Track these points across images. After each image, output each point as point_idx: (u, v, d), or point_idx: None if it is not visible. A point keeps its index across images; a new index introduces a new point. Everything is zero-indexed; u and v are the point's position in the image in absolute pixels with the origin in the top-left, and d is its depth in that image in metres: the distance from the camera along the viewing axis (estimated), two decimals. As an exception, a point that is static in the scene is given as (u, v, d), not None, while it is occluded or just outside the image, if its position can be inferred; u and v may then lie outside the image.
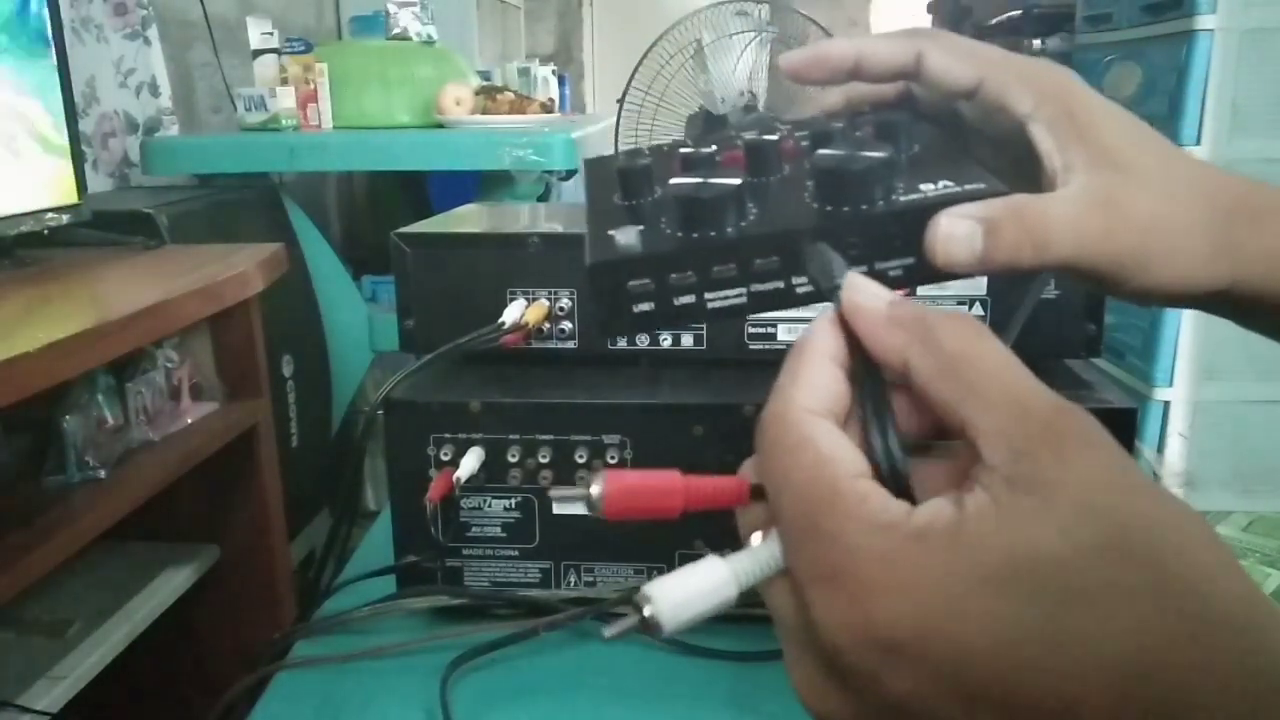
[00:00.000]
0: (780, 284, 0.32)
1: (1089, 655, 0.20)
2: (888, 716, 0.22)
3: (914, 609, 0.21)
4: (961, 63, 0.36)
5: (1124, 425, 0.56)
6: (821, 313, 0.27)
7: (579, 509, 0.24)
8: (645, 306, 0.33)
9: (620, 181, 0.35)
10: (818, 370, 0.26)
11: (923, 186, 0.32)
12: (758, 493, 0.25)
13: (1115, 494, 0.21)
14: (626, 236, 0.32)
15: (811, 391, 0.25)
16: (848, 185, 0.31)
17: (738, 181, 0.32)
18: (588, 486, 0.24)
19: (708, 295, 0.32)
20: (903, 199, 0.32)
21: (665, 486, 0.24)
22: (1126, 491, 0.21)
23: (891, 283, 0.32)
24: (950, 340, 0.24)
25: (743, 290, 0.32)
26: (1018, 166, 0.35)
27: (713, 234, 0.32)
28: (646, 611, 0.23)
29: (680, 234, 0.32)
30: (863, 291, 0.26)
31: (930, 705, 0.21)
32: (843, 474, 0.23)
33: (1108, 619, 0.20)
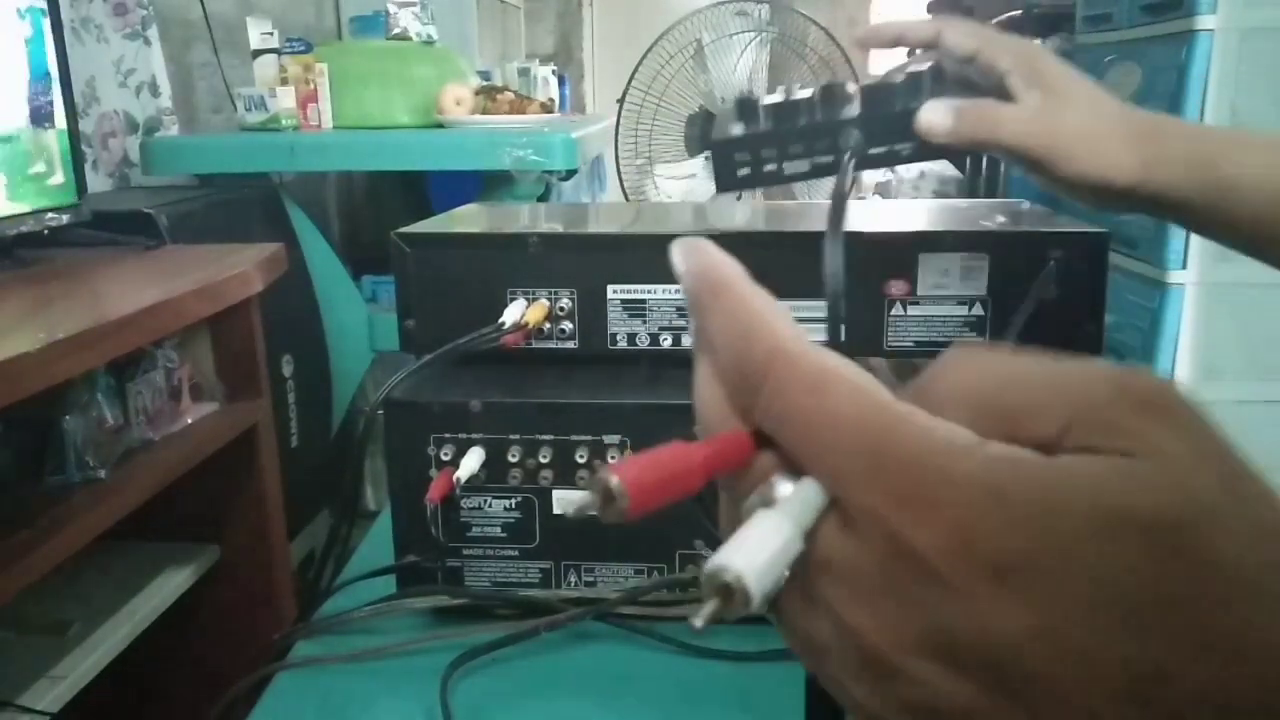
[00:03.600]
0: (830, 158, 0.51)
1: (1192, 624, 0.18)
2: (985, 662, 0.20)
3: (1021, 538, 0.19)
4: (966, 38, 0.54)
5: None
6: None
7: (594, 515, 0.22)
8: (745, 171, 0.53)
9: (736, 107, 0.54)
10: (767, 296, 0.24)
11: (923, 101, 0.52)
12: (761, 440, 0.23)
13: (1225, 462, 0.20)
14: (735, 127, 0.53)
15: (786, 319, 0.23)
16: (877, 93, 0.52)
17: (809, 93, 0.52)
18: (600, 490, 0.22)
19: (785, 164, 0.51)
20: (910, 105, 0.52)
21: (683, 469, 0.22)
22: (1233, 464, 0.20)
23: (903, 159, 0.53)
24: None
25: (807, 161, 0.51)
26: None
27: (787, 125, 0.52)
28: (736, 585, 0.20)
29: (767, 126, 0.52)
30: None
31: (1030, 652, 0.19)
32: (892, 401, 0.21)
33: (1218, 589, 0.18)
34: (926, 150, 0.51)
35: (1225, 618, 0.19)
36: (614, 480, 0.21)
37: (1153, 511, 0.19)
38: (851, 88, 0.51)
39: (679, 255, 0.26)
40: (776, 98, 0.52)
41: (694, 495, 0.23)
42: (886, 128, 0.51)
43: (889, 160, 0.52)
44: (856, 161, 0.51)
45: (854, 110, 0.51)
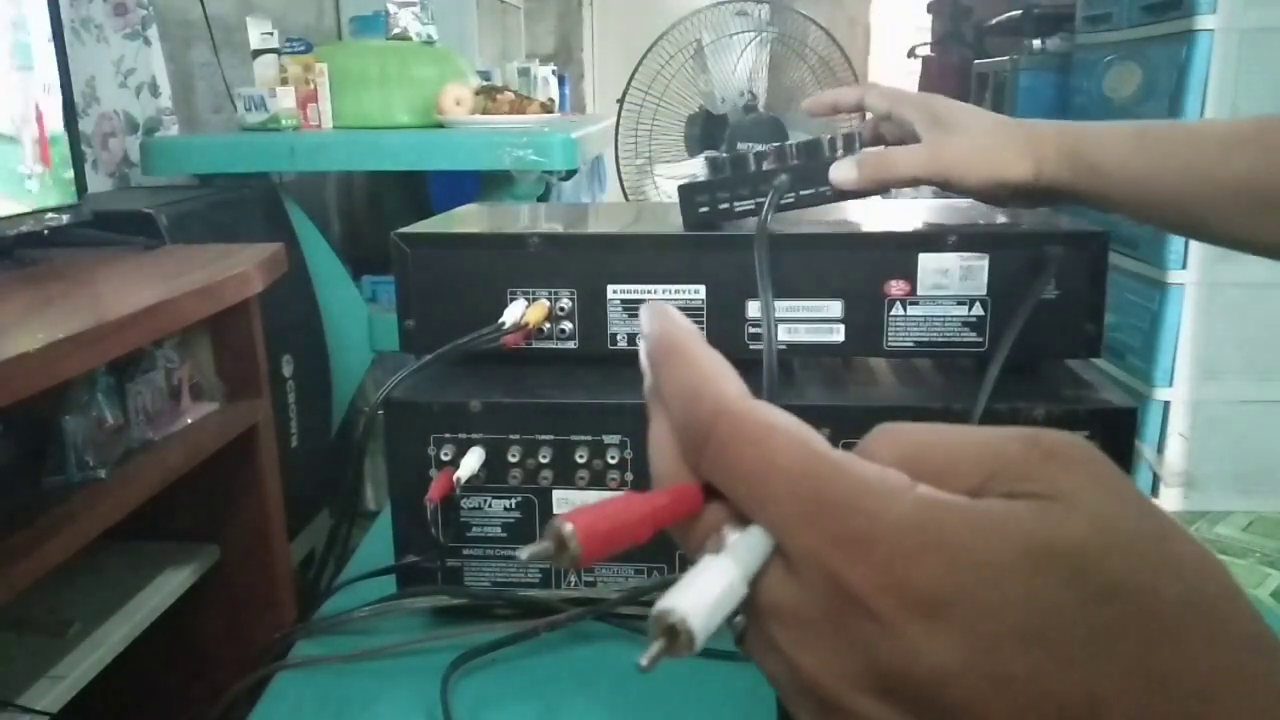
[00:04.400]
0: (765, 199, 0.62)
1: (1120, 654, 0.19)
2: (920, 696, 0.20)
3: (951, 572, 0.20)
4: (881, 100, 0.68)
5: (1124, 425, 0.56)
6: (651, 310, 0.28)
7: (547, 562, 0.23)
8: (704, 209, 0.63)
9: (706, 162, 0.65)
10: (716, 357, 0.26)
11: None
12: (711, 492, 0.24)
13: (1138, 502, 0.21)
14: (701, 175, 0.63)
15: (733, 379, 0.25)
16: (810, 148, 0.64)
17: (760, 148, 0.64)
18: (554, 538, 0.23)
19: (735, 203, 0.63)
20: (832, 157, 0.64)
21: (635, 519, 0.24)
22: (1145, 504, 0.21)
23: (828, 199, 0.64)
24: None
25: (751, 201, 0.62)
26: None
27: (739, 173, 0.63)
28: (681, 626, 0.21)
29: (726, 174, 0.63)
30: None
31: (962, 684, 0.20)
32: (828, 450, 0.23)
33: (1143, 619, 0.19)
34: (845, 194, 0.64)
35: (1151, 649, 0.19)
36: (567, 528, 0.23)
37: (1074, 543, 0.20)
38: (793, 148, 0.64)
39: (644, 317, 0.27)
40: (743, 150, 0.66)
41: (642, 544, 0.24)
42: (813, 176, 0.63)
43: (816, 200, 0.64)
44: (790, 201, 0.63)
45: (793, 162, 0.63)
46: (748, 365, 0.62)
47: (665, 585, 0.64)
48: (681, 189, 0.64)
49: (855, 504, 0.21)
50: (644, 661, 0.22)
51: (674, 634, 0.21)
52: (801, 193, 0.64)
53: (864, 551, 0.21)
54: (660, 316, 0.27)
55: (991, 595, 0.20)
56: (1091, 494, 0.21)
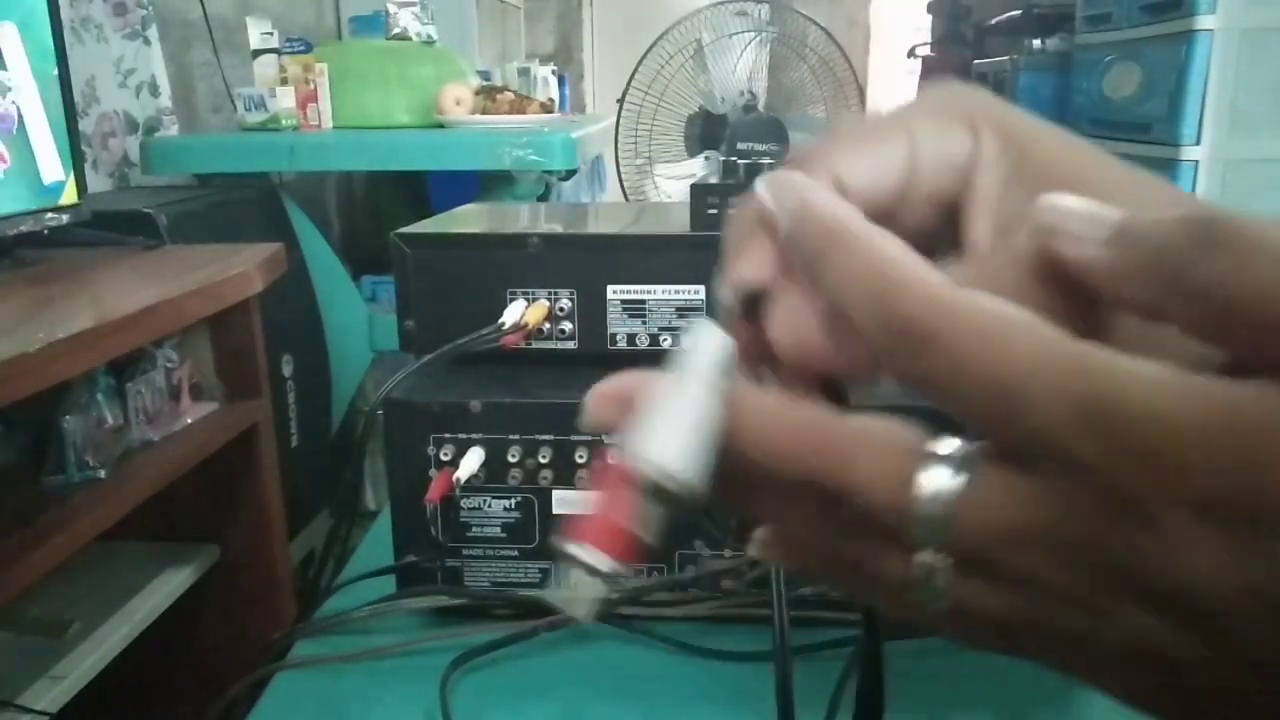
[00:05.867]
0: None
1: None
2: (1193, 609, 0.18)
3: (1251, 479, 0.18)
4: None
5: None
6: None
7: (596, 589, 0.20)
8: (713, 211, 0.63)
9: (721, 166, 0.68)
10: (905, 247, 0.21)
11: None
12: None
13: None
14: (713, 177, 0.66)
15: (935, 271, 0.21)
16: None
17: (764, 147, 0.75)
18: (585, 562, 0.20)
19: None
20: None
21: (616, 497, 0.21)
22: None
23: None
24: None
25: None
26: None
27: (751, 176, 0.63)
28: (655, 476, 0.18)
29: (740, 179, 0.65)
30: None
31: (1247, 606, 0.18)
32: (1087, 348, 0.19)
33: None
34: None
35: None
36: (596, 562, 0.20)
37: None
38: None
39: (770, 192, 0.23)
40: (757, 156, 0.68)
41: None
42: None
43: None
44: None
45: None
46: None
47: (665, 585, 0.64)
48: (694, 188, 0.64)
49: (1142, 407, 0.18)
50: (641, 532, 0.19)
51: (665, 494, 0.19)
52: None
53: (1155, 460, 0.18)
54: (798, 190, 0.22)
55: None
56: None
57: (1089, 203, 0.20)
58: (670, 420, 0.19)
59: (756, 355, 0.23)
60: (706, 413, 0.19)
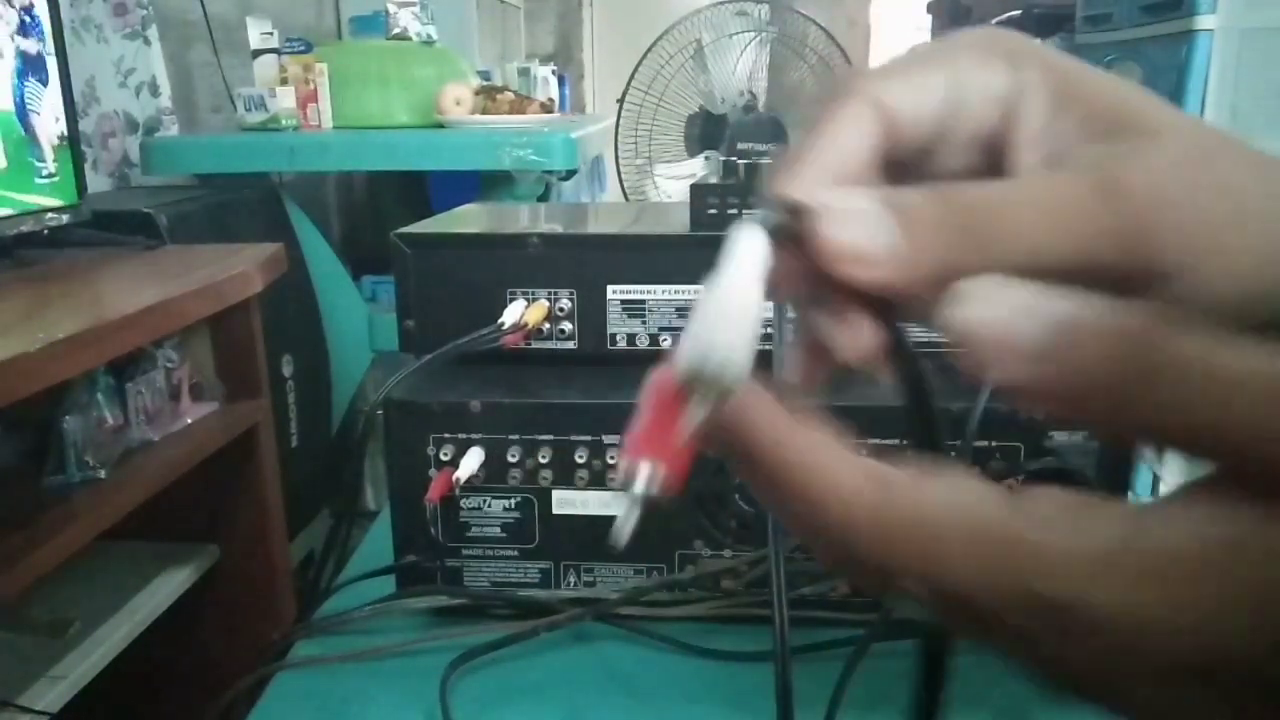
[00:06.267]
0: None
1: None
2: None
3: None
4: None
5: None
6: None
7: (635, 511, 0.19)
8: (713, 211, 0.63)
9: (722, 166, 0.69)
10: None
11: None
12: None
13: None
14: (713, 178, 0.62)
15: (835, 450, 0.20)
16: None
17: (764, 147, 0.68)
18: (632, 483, 0.19)
19: (744, 211, 0.63)
20: None
21: (666, 402, 0.20)
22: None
23: None
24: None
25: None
26: None
27: (752, 182, 0.64)
28: (693, 364, 0.18)
29: (741, 180, 0.65)
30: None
31: None
32: (998, 509, 0.18)
33: None
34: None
35: None
36: (641, 477, 0.19)
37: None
38: None
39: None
40: (757, 156, 0.67)
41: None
42: None
43: None
44: None
45: None
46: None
47: (665, 585, 0.64)
48: (694, 188, 0.64)
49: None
50: (687, 431, 0.19)
51: (702, 380, 0.19)
52: None
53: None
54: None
55: None
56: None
57: (1009, 294, 0.18)
58: (710, 316, 0.19)
59: (800, 274, 0.22)
60: (748, 306, 0.19)
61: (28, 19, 1.23)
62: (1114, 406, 0.17)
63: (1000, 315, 0.18)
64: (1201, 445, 0.17)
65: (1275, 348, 0.16)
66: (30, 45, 1.24)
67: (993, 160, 0.24)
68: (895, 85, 0.23)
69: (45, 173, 1.27)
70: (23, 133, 1.23)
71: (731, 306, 0.19)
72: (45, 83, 1.28)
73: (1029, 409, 0.19)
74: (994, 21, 3.66)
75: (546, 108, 2.11)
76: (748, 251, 0.20)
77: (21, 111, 1.23)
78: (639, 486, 0.19)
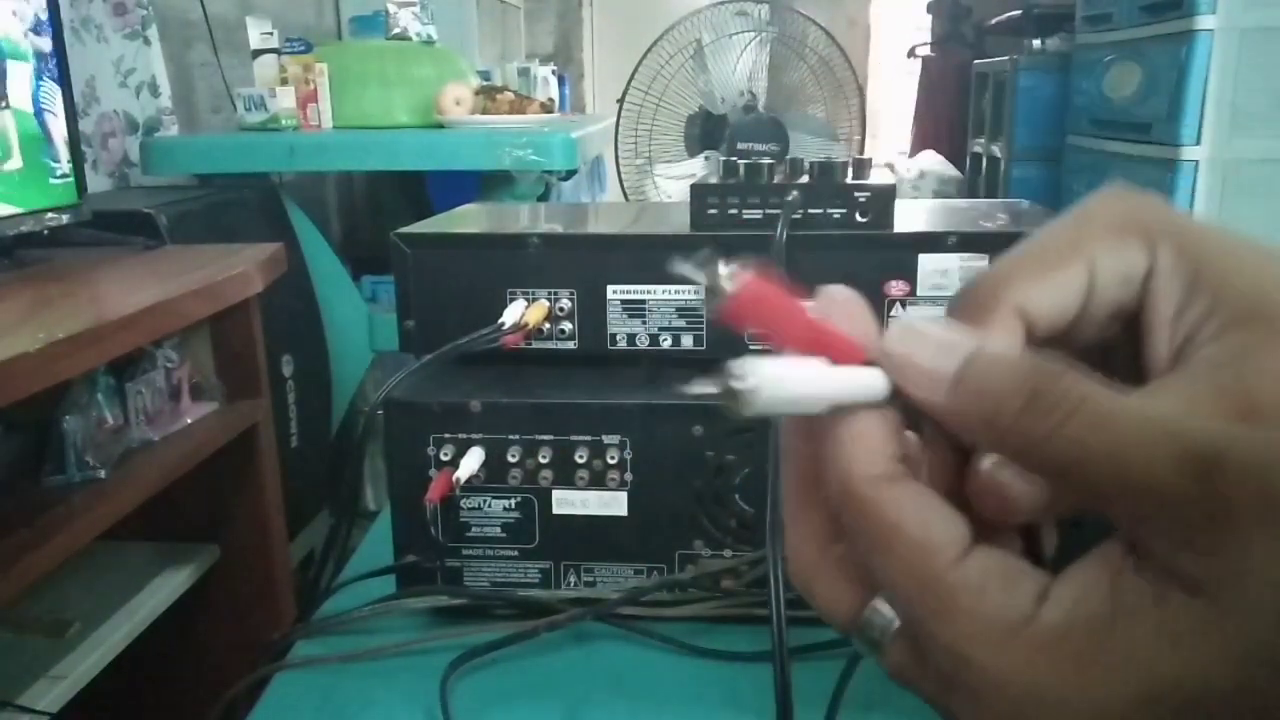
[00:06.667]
0: (776, 211, 0.62)
1: None
2: None
3: None
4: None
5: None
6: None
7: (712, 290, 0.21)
8: (713, 212, 0.63)
9: (722, 166, 0.65)
10: (861, 419, 0.21)
11: None
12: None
13: None
14: (713, 178, 0.64)
15: (866, 448, 0.21)
16: (824, 168, 0.63)
17: (764, 147, 0.79)
18: (717, 277, 0.21)
19: (744, 211, 0.62)
20: (844, 180, 0.63)
21: (799, 317, 0.22)
22: None
23: (833, 222, 0.62)
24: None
25: (760, 211, 0.62)
26: None
27: (752, 182, 0.63)
28: (742, 383, 0.20)
29: (740, 180, 0.63)
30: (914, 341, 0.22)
31: None
32: (944, 563, 0.20)
33: None
34: (852, 222, 0.63)
35: None
36: (727, 279, 0.21)
37: (1195, 692, 0.17)
38: (808, 164, 0.65)
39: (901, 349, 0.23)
40: (758, 158, 0.66)
41: (784, 345, 0.21)
42: (825, 196, 0.62)
43: (825, 222, 0.63)
44: (798, 218, 0.62)
45: (804, 180, 0.63)
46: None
47: (665, 586, 0.64)
48: (694, 188, 0.64)
49: (953, 646, 0.19)
50: (691, 389, 0.21)
51: (732, 394, 0.20)
52: (810, 211, 0.63)
53: (966, 697, 0.20)
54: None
55: None
56: (1252, 582, 0.17)
57: (938, 331, 0.21)
58: (792, 368, 0.21)
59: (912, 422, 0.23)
60: (814, 390, 0.21)
61: (42, 16, 1.23)
62: (1008, 431, 0.19)
63: (926, 348, 0.21)
64: (1075, 486, 0.19)
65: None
66: (44, 43, 1.24)
67: (1130, 332, 0.24)
68: (1034, 291, 0.23)
69: (60, 173, 1.27)
70: (40, 132, 1.23)
71: (806, 386, 0.21)
72: (59, 82, 1.28)
73: (952, 432, 0.21)
74: (993, 22, 3.66)
75: (546, 108, 2.11)
76: (859, 382, 0.22)
77: (38, 111, 1.23)
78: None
